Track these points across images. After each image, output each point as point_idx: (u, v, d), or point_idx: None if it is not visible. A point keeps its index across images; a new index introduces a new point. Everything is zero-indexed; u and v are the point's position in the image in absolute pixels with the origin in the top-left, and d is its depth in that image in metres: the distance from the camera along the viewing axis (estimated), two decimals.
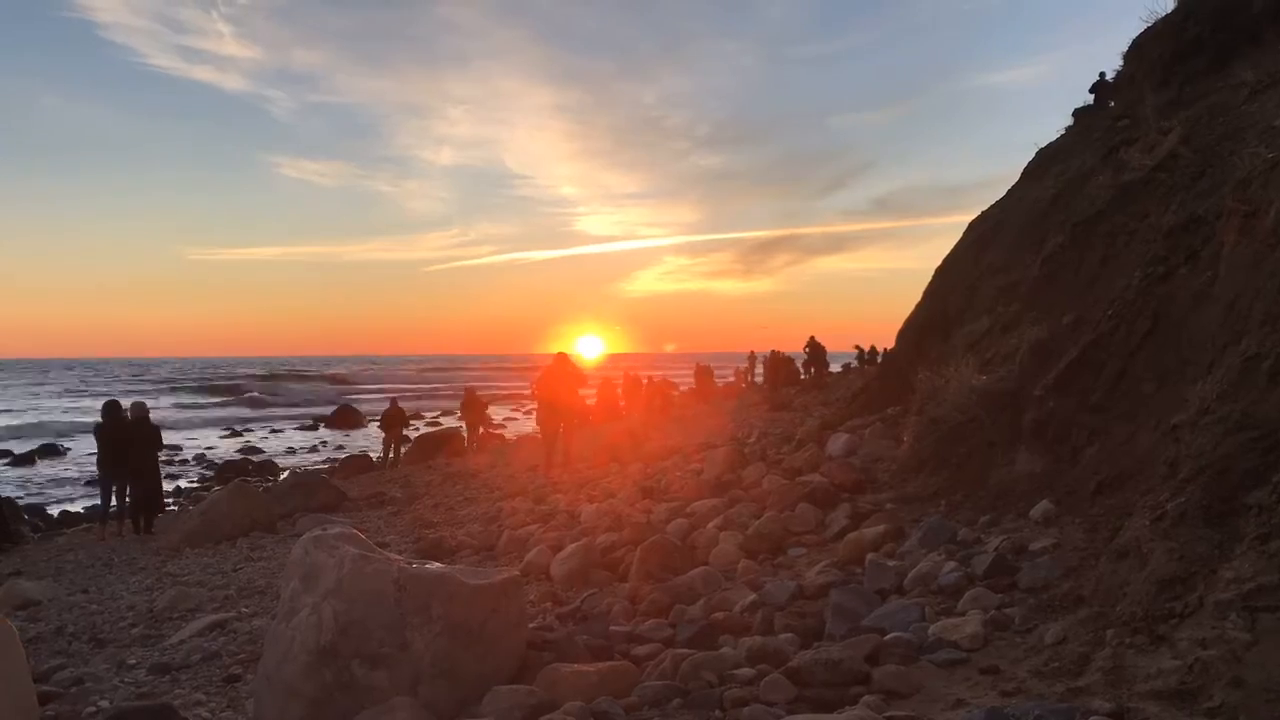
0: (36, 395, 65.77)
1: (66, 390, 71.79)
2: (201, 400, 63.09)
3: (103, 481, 13.96)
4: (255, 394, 67.98)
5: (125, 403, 14.78)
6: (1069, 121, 15.25)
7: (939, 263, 14.01)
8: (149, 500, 14.07)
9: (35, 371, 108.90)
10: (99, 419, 13.84)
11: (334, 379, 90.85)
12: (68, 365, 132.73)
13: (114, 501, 13.77)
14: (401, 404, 24.73)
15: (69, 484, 23.60)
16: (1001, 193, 14.17)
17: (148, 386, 75.72)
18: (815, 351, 34.19)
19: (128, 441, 13.58)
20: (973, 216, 14.32)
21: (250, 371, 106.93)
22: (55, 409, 51.66)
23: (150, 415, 14.60)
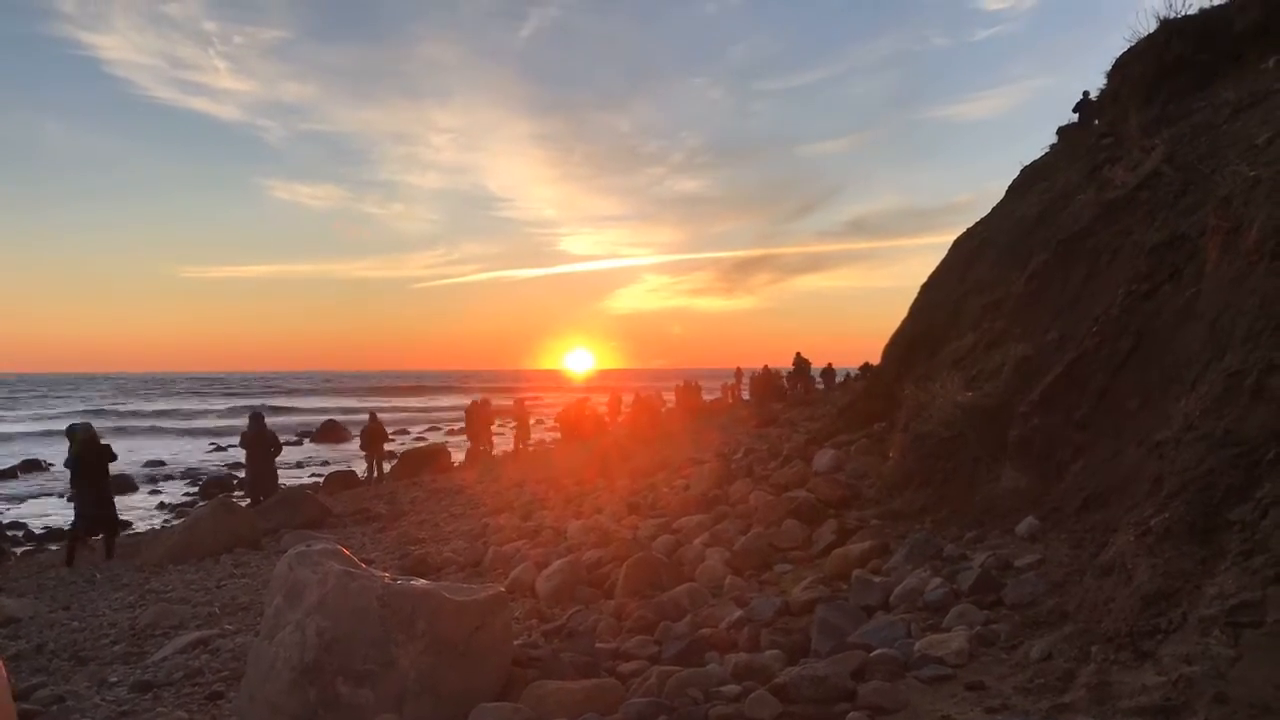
0: (29, 410, 65.29)
1: (57, 406, 71.29)
2: (187, 414, 62.73)
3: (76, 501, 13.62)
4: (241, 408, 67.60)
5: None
6: (1022, 151, 15.42)
7: (913, 281, 14.13)
8: (108, 523, 13.71)
9: (34, 386, 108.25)
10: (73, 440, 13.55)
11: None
12: (68, 381, 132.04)
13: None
14: (384, 419, 24.69)
15: (53, 499, 23.43)
16: (966, 215, 14.38)
17: (138, 401, 75.36)
18: (800, 367, 34.28)
19: (87, 461, 13.30)
20: (942, 238, 14.49)
21: (238, 388, 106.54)
22: (43, 425, 51.26)
23: (98, 436, 14.13)
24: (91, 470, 13.39)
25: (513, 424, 27.46)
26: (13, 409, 67.36)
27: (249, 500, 17.19)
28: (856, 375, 35.81)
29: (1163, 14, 11.79)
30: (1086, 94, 15.83)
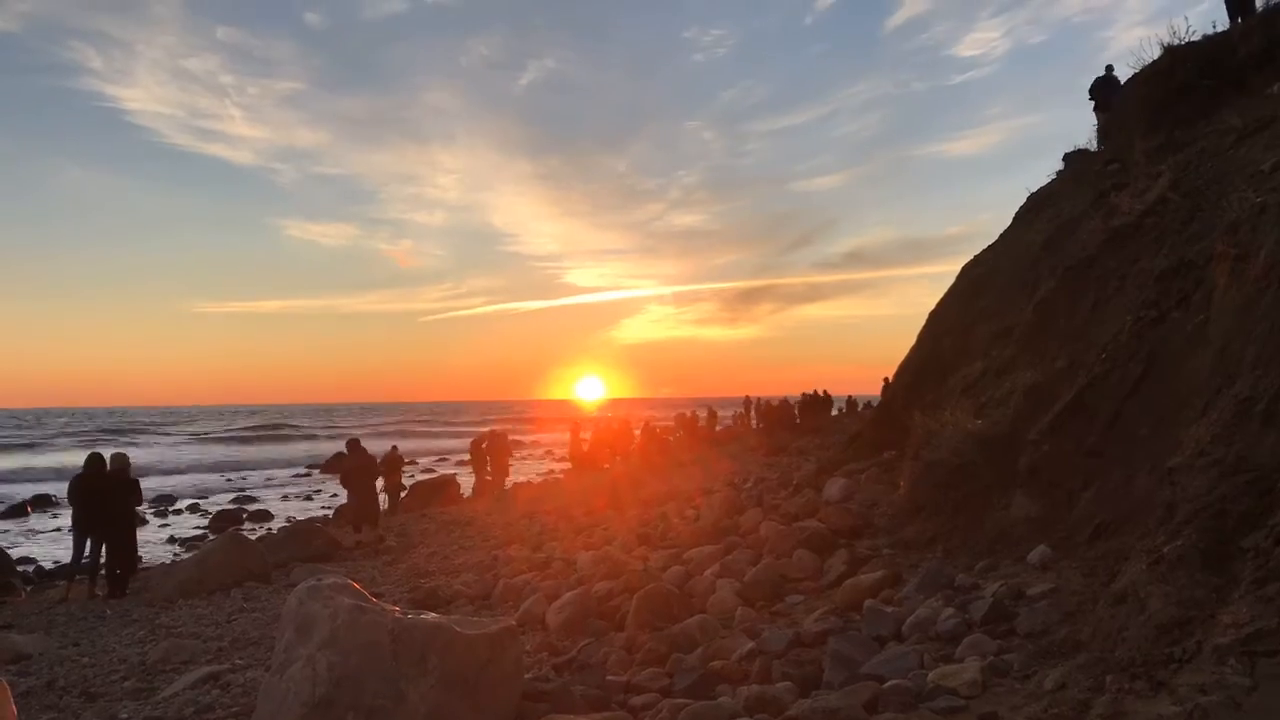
0: (43, 445, 65.42)
1: (64, 439, 71.45)
2: (196, 448, 62.83)
3: (77, 537, 13.23)
4: (250, 442, 67.83)
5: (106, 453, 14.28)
6: (1008, 185, 15.41)
7: (912, 309, 14.33)
8: (126, 559, 13.57)
9: (52, 420, 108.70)
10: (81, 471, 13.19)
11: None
12: (83, 414, 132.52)
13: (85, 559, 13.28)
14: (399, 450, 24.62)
15: (63, 535, 23.39)
16: (960, 246, 14.39)
17: (143, 433, 75.64)
18: (814, 397, 34.37)
19: (105, 495, 13.16)
20: (938, 268, 14.54)
21: (248, 421, 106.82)
22: (50, 457, 51.30)
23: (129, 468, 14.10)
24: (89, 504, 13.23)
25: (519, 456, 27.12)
26: (28, 444, 67.58)
27: (354, 528, 17.11)
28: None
29: (1167, 41, 11.85)
30: (1110, 68, 15.49)
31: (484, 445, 25.61)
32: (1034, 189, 14.51)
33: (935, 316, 13.74)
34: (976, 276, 13.17)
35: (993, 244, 14.02)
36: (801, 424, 32.31)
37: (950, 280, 14.09)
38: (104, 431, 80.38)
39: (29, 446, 64.87)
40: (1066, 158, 15.22)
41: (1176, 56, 11.54)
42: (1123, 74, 13.25)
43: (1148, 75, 12.21)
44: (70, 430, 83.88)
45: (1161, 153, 9.70)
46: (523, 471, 32.44)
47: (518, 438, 51.49)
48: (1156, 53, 12.13)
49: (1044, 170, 15.00)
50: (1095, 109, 15.59)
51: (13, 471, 42.75)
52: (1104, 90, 15.46)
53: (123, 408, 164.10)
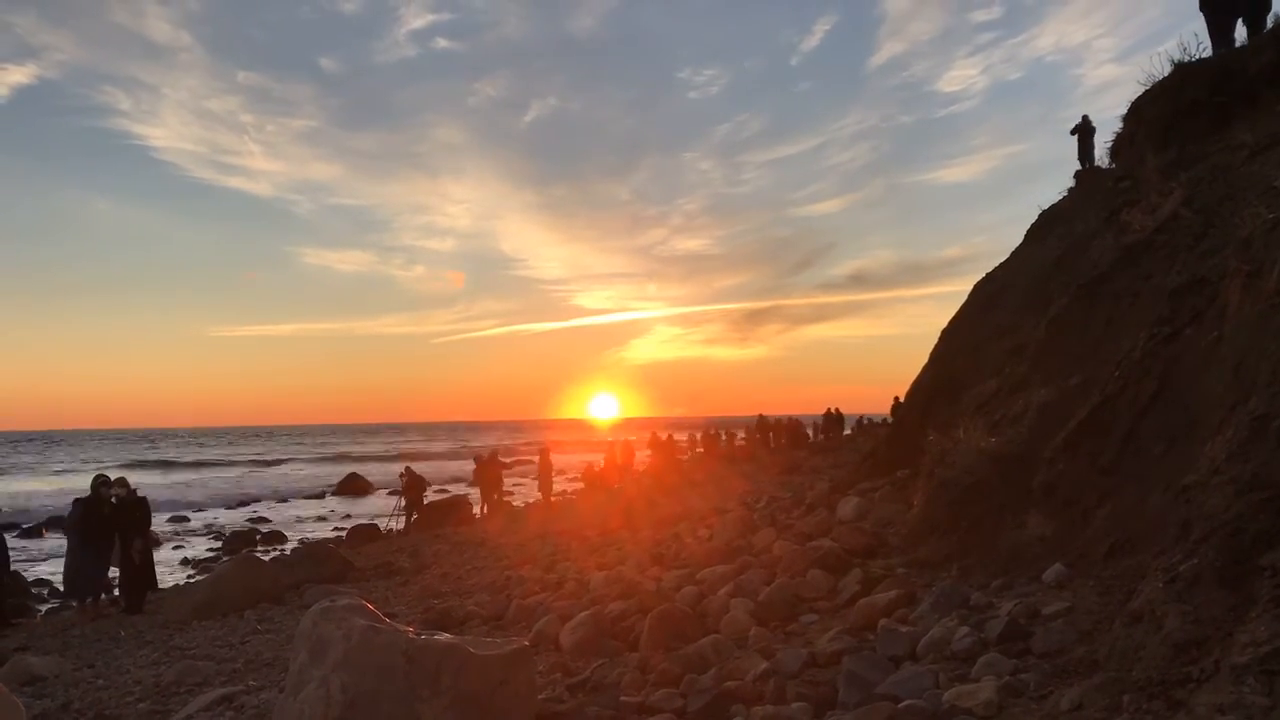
0: (59, 466, 65.67)
1: (79, 462, 71.72)
2: (210, 469, 62.99)
3: (87, 560, 13.29)
4: (263, 464, 68.00)
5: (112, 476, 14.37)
6: (1000, 210, 15.37)
7: (915, 329, 14.33)
8: (134, 575, 13.62)
9: (69, 442, 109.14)
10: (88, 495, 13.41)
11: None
12: (104, 435, 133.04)
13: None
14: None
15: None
16: (960, 268, 14.40)
17: (157, 456, 75.92)
18: (830, 416, 34.53)
19: (102, 514, 13.24)
20: (939, 289, 14.52)
21: (262, 442, 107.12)
22: (70, 481, 51.49)
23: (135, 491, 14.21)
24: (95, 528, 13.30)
25: (534, 476, 27.77)
26: (43, 465, 67.91)
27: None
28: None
29: (1177, 57, 11.81)
30: (1086, 118, 15.64)
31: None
32: (1026, 212, 14.53)
33: (948, 334, 13.71)
34: (989, 294, 13.15)
35: (1004, 261, 14.00)
36: (818, 442, 32.42)
37: (952, 300, 14.12)
38: (125, 452, 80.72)
39: (56, 468, 65.27)
40: (1077, 175, 15.20)
41: (1187, 73, 11.51)
42: (1132, 92, 13.11)
43: (1158, 92, 12.18)
44: (92, 453, 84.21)
45: (1173, 169, 9.67)
46: (534, 491, 32.43)
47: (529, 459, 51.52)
48: (1167, 69, 12.09)
49: (1033, 195, 14.97)
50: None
51: (30, 494, 42.93)
52: (1082, 134, 15.33)
53: (146, 429, 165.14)
